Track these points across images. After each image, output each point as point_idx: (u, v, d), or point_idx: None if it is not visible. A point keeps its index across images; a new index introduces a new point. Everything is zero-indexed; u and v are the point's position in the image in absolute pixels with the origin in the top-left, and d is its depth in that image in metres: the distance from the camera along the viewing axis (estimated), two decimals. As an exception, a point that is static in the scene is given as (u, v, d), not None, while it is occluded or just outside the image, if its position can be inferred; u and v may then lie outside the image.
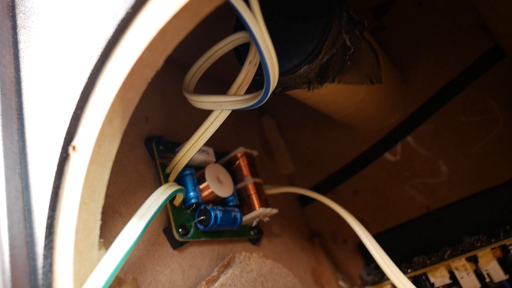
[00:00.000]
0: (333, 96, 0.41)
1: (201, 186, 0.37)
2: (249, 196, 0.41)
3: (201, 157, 0.39)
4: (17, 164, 0.27)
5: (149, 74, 0.23)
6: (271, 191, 0.45)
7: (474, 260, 0.37)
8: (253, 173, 0.43)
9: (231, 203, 0.40)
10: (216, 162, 0.41)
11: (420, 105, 0.50)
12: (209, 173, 0.38)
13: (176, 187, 0.32)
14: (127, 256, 0.24)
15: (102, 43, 0.23)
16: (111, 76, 0.23)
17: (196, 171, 0.38)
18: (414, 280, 0.40)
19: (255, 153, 0.44)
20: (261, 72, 0.32)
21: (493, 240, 0.36)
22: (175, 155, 0.38)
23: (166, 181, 0.36)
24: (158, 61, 0.23)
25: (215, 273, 0.35)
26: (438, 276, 0.38)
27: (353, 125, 0.52)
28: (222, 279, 0.35)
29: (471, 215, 0.46)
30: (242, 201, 0.42)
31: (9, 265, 0.24)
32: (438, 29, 0.49)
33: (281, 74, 0.34)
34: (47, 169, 0.25)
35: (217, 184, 0.38)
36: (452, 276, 0.38)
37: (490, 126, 0.45)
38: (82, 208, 0.23)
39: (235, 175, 0.42)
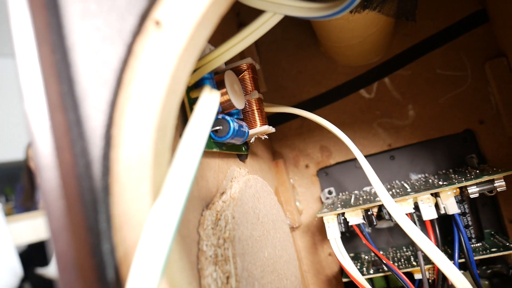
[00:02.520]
0: (354, 24, 0.40)
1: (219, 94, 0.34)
2: (252, 112, 0.39)
3: (216, 62, 0.35)
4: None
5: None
6: (269, 109, 0.44)
7: (435, 195, 0.43)
8: (257, 88, 0.40)
9: (235, 116, 0.38)
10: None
11: (403, 50, 0.52)
12: (228, 80, 0.34)
13: (217, 92, 0.28)
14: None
15: None
16: None
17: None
18: (379, 207, 0.46)
19: (257, 66, 0.42)
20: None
21: (455, 181, 0.43)
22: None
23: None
24: None
25: (227, 186, 0.34)
26: (405, 205, 0.43)
27: (341, 57, 0.52)
28: (230, 192, 0.34)
29: (422, 157, 0.52)
30: (244, 116, 0.40)
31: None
32: (439, -21, 0.50)
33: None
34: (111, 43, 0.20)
35: (234, 93, 0.35)
36: (416, 206, 0.44)
37: (459, 82, 0.51)
38: (166, 101, 0.19)
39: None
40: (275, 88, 0.58)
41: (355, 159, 0.55)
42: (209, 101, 0.25)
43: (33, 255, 1.45)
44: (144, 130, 0.19)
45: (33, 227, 1.28)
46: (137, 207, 0.19)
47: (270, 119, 0.58)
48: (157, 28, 0.19)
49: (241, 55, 0.56)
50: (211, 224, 0.31)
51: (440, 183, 0.44)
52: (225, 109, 0.35)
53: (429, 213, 0.43)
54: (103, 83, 0.20)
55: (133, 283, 0.17)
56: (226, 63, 0.40)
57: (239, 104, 0.36)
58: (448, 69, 0.51)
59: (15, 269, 1.16)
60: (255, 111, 0.39)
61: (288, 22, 0.57)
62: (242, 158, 0.43)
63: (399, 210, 0.37)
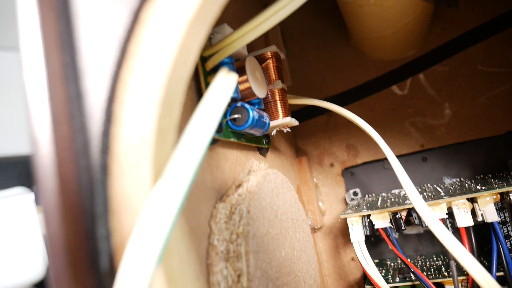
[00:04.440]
0: (388, 11, 0.37)
1: (239, 79, 0.32)
2: (274, 102, 0.37)
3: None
4: None
5: None
6: (294, 101, 0.41)
7: (472, 200, 0.40)
8: (281, 78, 0.38)
9: (256, 106, 0.36)
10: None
11: (441, 44, 0.49)
12: (249, 66, 0.32)
13: (235, 75, 0.26)
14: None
15: None
16: None
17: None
18: (408, 211, 0.42)
19: (282, 55, 0.39)
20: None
21: (496, 186, 0.39)
22: (209, 37, 0.31)
23: (203, 65, 0.30)
24: None
25: (243, 179, 0.32)
26: (438, 210, 0.40)
27: (372, 50, 0.49)
28: (247, 185, 0.32)
29: (458, 159, 0.48)
30: (266, 106, 0.38)
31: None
32: (483, -33, 0.47)
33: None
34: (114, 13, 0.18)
35: (256, 81, 0.33)
36: (449, 211, 0.40)
37: (503, 80, 0.46)
38: (173, 73, 0.17)
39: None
40: (301, 83, 0.55)
41: (383, 160, 0.52)
42: (224, 82, 0.23)
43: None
44: (148, 105, 0.17)
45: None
46: (137, 190, 0.17)
47: (295, 114, 0.55)
48: (166, -7, 0.17)
49: (266, 45, 0.54)
50: (224, 218, 0.29)
51: (478, 187, 0.40)
52: (246, 97, 0.33)
53: (464, 220, 0.39)
54: (107, 54, 0.18)
55: (124, 273, 0.15)
56: (249, 51, 0.39)
57: (260, 92, 0.33)
58: (490, 65, 0.47)
59: (45, 258, 1.18)
60: (278, 102, 0.37)
61: (316, 14, 0.54)
62: (262, 151, 0.41)
63: (431, 214, 0.33)
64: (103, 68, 0.18)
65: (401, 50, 0.49)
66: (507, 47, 0.46)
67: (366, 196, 0.52)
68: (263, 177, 0.34)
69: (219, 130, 0.30)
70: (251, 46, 0.44)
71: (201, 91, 0.30)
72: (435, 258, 0.48)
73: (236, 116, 0.31)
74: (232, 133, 0.33)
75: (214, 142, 0.30)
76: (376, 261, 0.51)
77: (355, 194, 0.52)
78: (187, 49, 0.17)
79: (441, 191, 0.43)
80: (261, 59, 0.37)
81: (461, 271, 0.41)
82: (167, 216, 0.16)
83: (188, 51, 0.18)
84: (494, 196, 0.39)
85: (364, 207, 0.44)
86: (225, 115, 0.32)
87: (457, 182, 0.47)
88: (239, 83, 0.32)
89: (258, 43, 0.48)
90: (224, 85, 0.23)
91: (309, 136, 0.55)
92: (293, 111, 0.55)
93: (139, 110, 0.18)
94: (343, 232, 0.53)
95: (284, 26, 0.55)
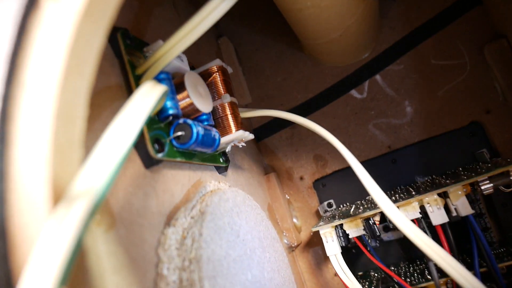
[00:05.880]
0: (328, 12, 0.37)
1: (179, 96, 0.30)
2: (225, 117, 0.36)
3: (176, 63, 0.31)
4: None
5: None
6: (246, 114, 0.40)
7: (444, 195, 0.38)
8: (230, 91, 0.36)
9: (205, 122, 0.34)
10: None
11: (393, 43, 0.49)
12: (189, 81, 0.31)
13: (163, 86, 0.25)
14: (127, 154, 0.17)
15: None
16: None
17: (168, 79, 0.31)
18: (382, 215, 0.40)
19: (229, 69, 0.38)
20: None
21: (464, 177, 0.37)
22: (144, 55, 0.30)
23: (137, 84, 0.28)
24: None
25: (194, 201, 0.30)
26: (410, 210, 0.38)
27: (326, 56, 0.49)
28: (200, 206, 0.30)
29: (427, 157, 0.47)
30: (216, 122, 0.36)
31: None
32: (422, -35, 0.47)
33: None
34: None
35: (198, 96, 0.31)
36: (423, 210, 0.38)
37: (458, 71, 0.46)
38: (66, 83, 0.16)
39: (209, 92, 0.36)
40: (261, 98, 0.54)
41: (353, 166, 0.50)
42: (146, 93, 0.22)
43: None
44: (41, 120, 0.15)
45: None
46: (33, 218, 0.15)
47: (257, 131, 0.54)
48: (50, -3, 0.16)
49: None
50: (175, 244, 0.27)
51: (448, 181, 0.39)
52: (190, 114, 0.31)
53: (438, 217, 0.37)
54: (-7, 70, 0.16)
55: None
56: (194, 67, 0.37)
57: (204, 107, 0.32)
58: (443, 58, 0.47)
59: None
60: (229, 116, 0.36)
61: (266, 29, 0.54)
62: (221, 170, 0.39)
63: (398, 214, 0.32)
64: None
65: (354, 53, 0.48)
66: (456, 39, 0.46)
67: (341, 206, 0.50)
68: (219, 196, 0.32)
69: (161, 149, 0.28)
70: (196, 62, 0.42)
71: (137, 111, 0.28)
72: (418, 262, 0.46)
73: (179, 133, 0.29)
74: (179, 152, 0.31)
75: (157, 163, 0.28)
76: (361, 273, 0.49)
77: (330, 205, 0.50)
78: (78, 55, 0.16)
79: (413, 191, 0.41)
80: (206, 75, 0.36)
81: (441, 271, 0.39)
82: (63, 246, 0.14)
83: (80, 58, 0.16)
84: (465, 189, 0.37)
85: (337, 217, 0.42)
86: (168, 133, 0.30)
87: (428, 180, 0.46)
88: (179, 99, 0.30)
89: (205, 56, 0.47)
90: (145, 96, 0.22)
91: (275, 152, 0.53)
92: (255, 128, 0.54)
93: (32, 126, 0.15)
94: (323, 247, 0.50)
95: (237, 43, 0.55)
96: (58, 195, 0.15)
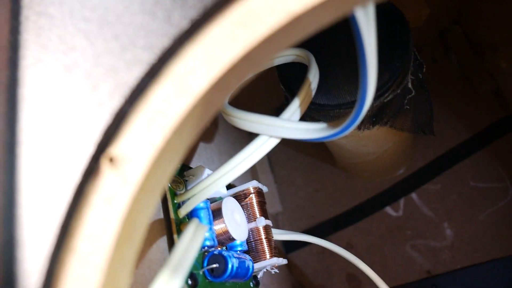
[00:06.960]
0: (366, 140, 0.37)
1: (216, 226, 0.30)
2: (259, 241, 0.35)
3: (214, 187, 0.31)
4: None
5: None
6: (280, 237, 0.39)
7: None
8: (265, 214, 0.36)
9: (239, 247, 0.33)
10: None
11: (428, 161, 0.48)
12: (226, 209, 0.31)
13: (205, 226, 0.24)
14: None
15: None
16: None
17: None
18: None
19: (265, 189, 0.38)
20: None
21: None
22: (184, 179, 0.30)
23: (176, 213, 0.28)
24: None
25: None
26: None
27: (359, 172, 0.48)
28: None
29: (472, 286, 0.44)
30: (249, 245, 0.35)
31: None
32: (454, 89, 0.49)
33: (338, 106, 0.30)
34: (53, 184, 0.17)
35: (234, 224, 0.31)
36: None
37: (499, 195, 0.45)
38: (115, 255, 0.15)
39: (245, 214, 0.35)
40: (292, 208, 0.53)
41: (390, 290, 0.47)
42: (190, 240, 0.21)
43: None
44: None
45: None
46: None
47: (287, 243, 0.52)
48: (111, 166, 0.16)
49: (254, 173, 0.53)
50: None
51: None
52: (223, 242, 0.30)
53: None
54: (45, 232, 0.16)
55: None
56: (231, 185, 0.37)
57: (240, 235, 0.31)
58: (482, 180, 0.46)
59: None
60: (263, 241, 0.35)
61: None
62: (250, 296, 0.36)
63: None
64: (40, 250, 0.16)
65: (388, 170, 0.48)
66: (495, 160, 0.45)
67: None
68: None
69: (194, 284, 0.27)
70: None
71: (173, 242, 0.27)
72: None
73: (213, 265, 0.28)
74: (211, 284, 0.29)
75: (188, 299, 0.27)
76: None
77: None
78: (130, 224, 0.16)
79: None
80: (241, 196, 0.36)
81: None
82: None
83: (132, 227, 0.16)
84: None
85: None
86: (201, 264, 0.29)
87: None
88: (215, 228, 0.30)
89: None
90: (190, 243, 0.21)
91: (305, 266, 0.51)
92: (285, 240, 0.52)
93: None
94: None
95: (270, 151, 0.55)
96: None
